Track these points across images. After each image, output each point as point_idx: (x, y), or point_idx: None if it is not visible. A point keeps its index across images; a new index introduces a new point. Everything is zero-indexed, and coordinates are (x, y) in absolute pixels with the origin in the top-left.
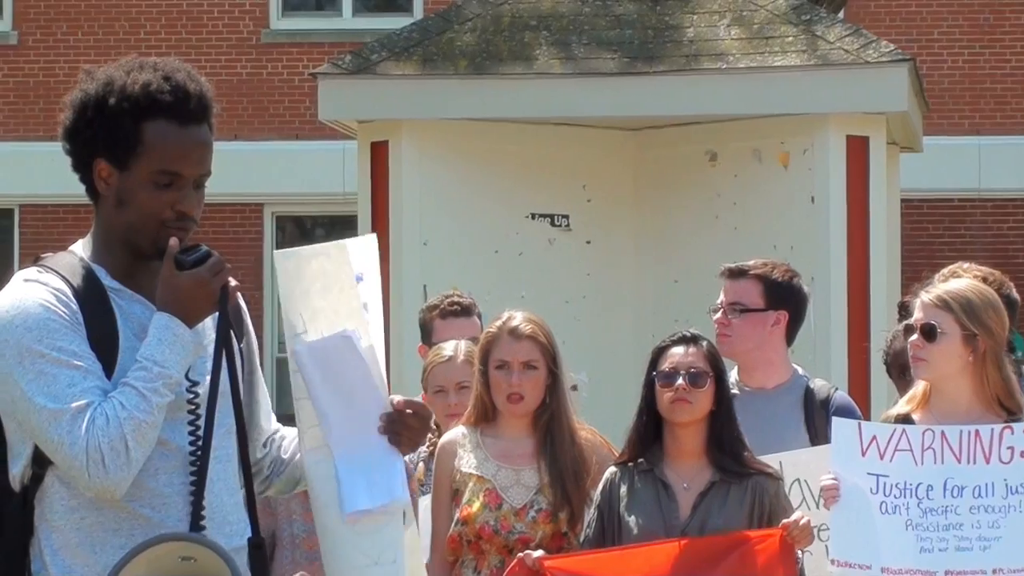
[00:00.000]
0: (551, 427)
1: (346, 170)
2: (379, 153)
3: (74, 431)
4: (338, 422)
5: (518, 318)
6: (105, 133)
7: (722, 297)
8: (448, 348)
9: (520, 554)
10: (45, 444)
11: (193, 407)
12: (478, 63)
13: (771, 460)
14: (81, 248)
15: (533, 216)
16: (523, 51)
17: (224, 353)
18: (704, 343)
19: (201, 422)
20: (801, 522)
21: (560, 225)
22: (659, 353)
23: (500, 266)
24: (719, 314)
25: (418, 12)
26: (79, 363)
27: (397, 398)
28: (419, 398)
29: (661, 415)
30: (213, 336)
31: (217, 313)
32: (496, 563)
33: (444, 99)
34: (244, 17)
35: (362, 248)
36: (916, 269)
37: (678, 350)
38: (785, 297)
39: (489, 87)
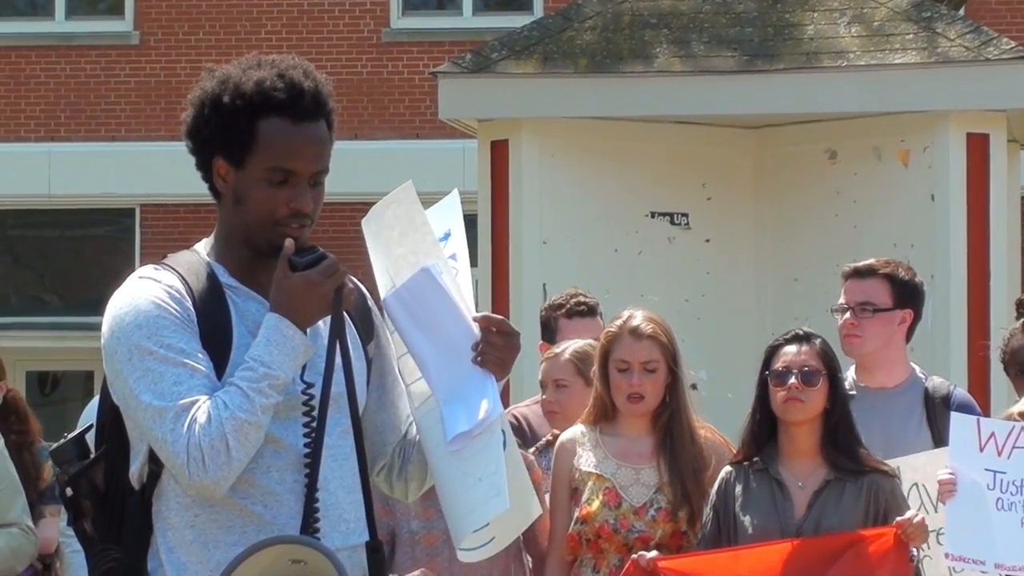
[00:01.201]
0: (671, 426)
1: (466, 169)
2: (499, 152)
3: (176, 429)
4: (435, 364)
5: (638, 317)
6: (221, 131)
7: (844, 297)
8: (561, 346)
9: (634, 555)
10: (152, 442)
11: (308, 408)
12: (598, 61)
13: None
14: (203, 246)
15: (653, 215)
16: (643, 49)
17: (342, 354)
18: (817, 341)
19: (325, 421)
20: (916, 519)
21: (680, 224)
22: (772, 352)
23: (619, 265)
24: (847, 314)
25: (538, 10)
26: (187, 361)
27: (478, 315)
28: (538, 396)
29: (775, 414)
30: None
31: (331, 315)
32: (615, 562)
33: (564, 97)
34: (365, 16)
35: (448, 206)
36: None
37: (791, 349)
38: (910, 295)
39: (609, 85)
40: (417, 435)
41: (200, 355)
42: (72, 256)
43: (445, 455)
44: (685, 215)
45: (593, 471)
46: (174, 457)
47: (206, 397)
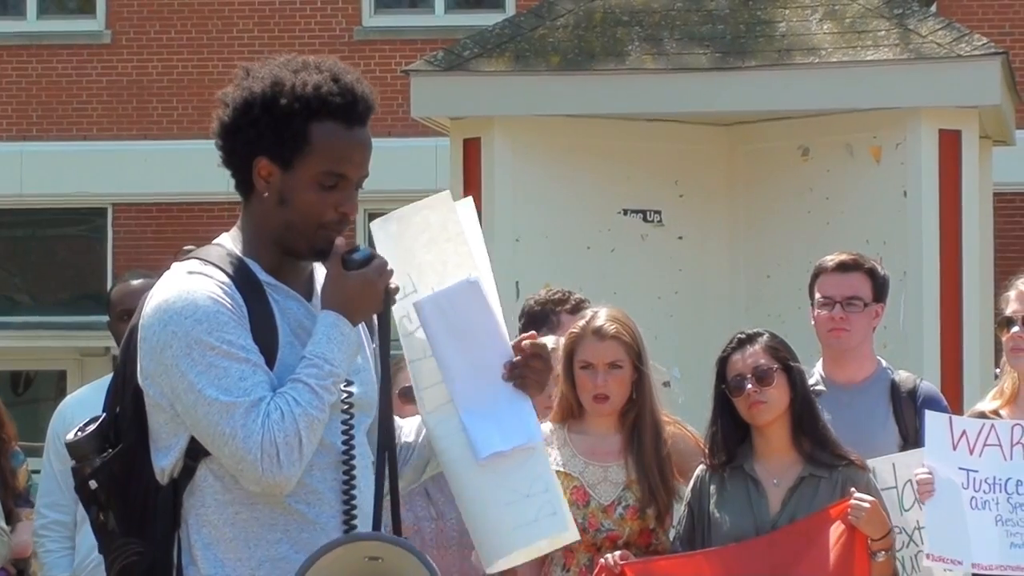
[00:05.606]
0: (638, 423)
1: (438, 167)
2: (471, 150)
3: (248, 425)
4: (461, 374)
5: (602, 317)
6: (272, 132)
7: (825, 291)
8: (549, 342)
9: (602, 560)
10: (214, 437)
11: (347, 405)
12: (570, 59)
13: (883, 462)
14: (230, 242)
15: (625, 212)
16: (615, 47)
17: (381, 354)
18: (762, 339)
19: (354, 420)
20: (864, 503)
21: (652, 221)
22: (722, 364)
23: (592, 262)
24: (835, 309)
25: (510, 8)
26: (248, 357)
27: (525, 339)
28: None
29: (744, 420)
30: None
31: (380, 314)
32: (584, 561)
33: (536, 95)
34: (337, 14)
35: (461, 212)
36: (1009, 263)
37: (737, 355)
38: (884, 290)
39: (581, 83)
40: (419, 439)
41: (256, 351)
42: (44, 256)
43: (473, 467)
44: (658, 212)
45: (561, 469)
46: (245, 453)
47: (272, 394)
